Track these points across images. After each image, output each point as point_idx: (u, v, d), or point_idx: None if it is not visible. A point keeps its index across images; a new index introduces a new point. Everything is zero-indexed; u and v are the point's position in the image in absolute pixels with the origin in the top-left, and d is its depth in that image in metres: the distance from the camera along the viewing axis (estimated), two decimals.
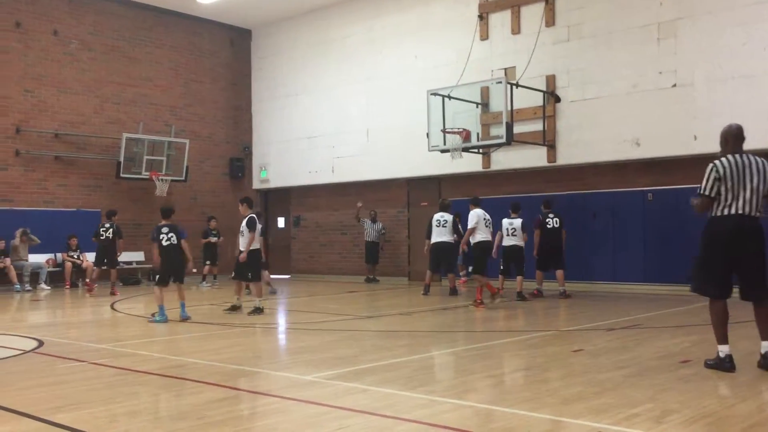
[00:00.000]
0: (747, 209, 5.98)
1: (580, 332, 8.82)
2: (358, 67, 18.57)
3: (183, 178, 19.26)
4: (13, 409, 5.05)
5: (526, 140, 14.68)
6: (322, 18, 19.42)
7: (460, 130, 14.29)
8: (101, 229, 15.09)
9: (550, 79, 15.05)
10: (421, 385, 5.74)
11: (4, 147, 16.72)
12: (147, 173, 18.39)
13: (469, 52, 15.69)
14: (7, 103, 16.81)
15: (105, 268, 15.15)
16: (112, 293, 14.74)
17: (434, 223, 13.62)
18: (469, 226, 11.83)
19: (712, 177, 6.06)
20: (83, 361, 7.06)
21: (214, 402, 5.29)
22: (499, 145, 14.56)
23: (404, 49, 17.68)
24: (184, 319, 10.26)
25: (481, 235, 11.71)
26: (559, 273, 13.02)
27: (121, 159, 18.00)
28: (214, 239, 17.48)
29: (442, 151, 14.77)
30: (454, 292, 13.71)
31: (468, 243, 11.96)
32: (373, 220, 17.85)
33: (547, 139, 14.85)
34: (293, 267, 20.72)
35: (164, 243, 10.39)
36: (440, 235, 13.51)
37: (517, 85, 14.36)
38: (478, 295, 11.55)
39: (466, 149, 14.58)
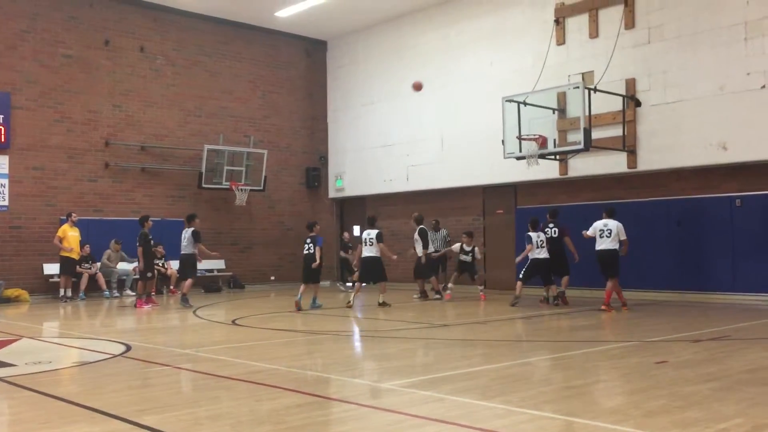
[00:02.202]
0: None
1: (664, 343, 8.52)
2: (433, 74, 18.54)
3: (261, 188, 19.72)
4: (103, 411, 5.26)
5: (605, 146, 14.34)
6: (396, 27, 19.56)
7: (537, 136, 14.11)
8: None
9: (630, 83, 14.67)
10: (498, 395, 5.67)
11: (94, 159, 17.55)
12: (227, 183, 18.96)
13: (545, 58, 15.47)
14: (98, 118, 17.64)
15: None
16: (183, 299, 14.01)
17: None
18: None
19: None
20: (168, 365, 7.31)
21: (293, 407, 5.37)
22: (576, 152, 14.28)
23: (479, 55, 17.59)
24: (314, 308, 13.10)
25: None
26: (564, 279, 13.62)
27: (203, 170, 18.61)
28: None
29: (518, 158, 14.57)
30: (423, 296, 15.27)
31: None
32: (436, 229, 17.43)
33: (628, 145, 14.46)
34: None
35: (305, 252, 13.28)
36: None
37: (595, 90, 14.06)
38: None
39: (542, 156, 14.38)
